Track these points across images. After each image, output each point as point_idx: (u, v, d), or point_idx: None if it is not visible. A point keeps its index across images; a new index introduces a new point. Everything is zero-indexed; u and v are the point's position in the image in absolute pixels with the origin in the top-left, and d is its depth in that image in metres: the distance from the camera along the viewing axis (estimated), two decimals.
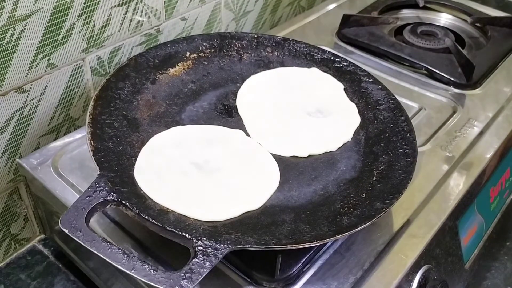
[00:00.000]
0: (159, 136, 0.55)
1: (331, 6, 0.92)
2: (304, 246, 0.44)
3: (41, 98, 0.61)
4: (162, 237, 0.43)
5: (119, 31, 0.66)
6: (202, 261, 0.40)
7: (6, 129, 0.59)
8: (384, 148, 0.56)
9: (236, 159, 0.54)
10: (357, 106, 0.63)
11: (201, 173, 0.52)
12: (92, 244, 0.41)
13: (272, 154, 0.56)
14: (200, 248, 0.41)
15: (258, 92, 0.64)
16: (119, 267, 0.39)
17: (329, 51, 0.69)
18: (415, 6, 0.91)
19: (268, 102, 0.63)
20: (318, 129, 0.60)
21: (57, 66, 0.61)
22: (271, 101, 0.63)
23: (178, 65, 0.64)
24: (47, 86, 0.61)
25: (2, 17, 0.52)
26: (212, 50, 0.67)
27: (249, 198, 0.50)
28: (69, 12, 0.58)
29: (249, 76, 0.66)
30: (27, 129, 0.61)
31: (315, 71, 0.67)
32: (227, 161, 0.54)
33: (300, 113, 0.62)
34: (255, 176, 0.53)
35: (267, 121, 0.60)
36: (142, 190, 0.48)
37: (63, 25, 0.59)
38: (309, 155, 0.57)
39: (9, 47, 0.54)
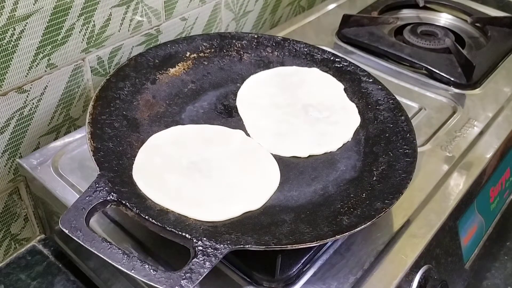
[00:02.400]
0: (158, 136, 0.55)
1: (331, 6, 0.92)
2: (304, 246, 0.44)
3: (41, 98, 0.61)
4: (162, 237, 0.43)
5: (119, 31, 0.66)
6: (202, 261, 0.40)
7: (6, 129, 0.59)
8: (384, 148, 0.56)
9: (236, 159, 0.54)
10: (357, 106, 0.63)
11: (201, 173, 0.52)
12: (92, 244, 0.41)
13: (272, 154, 0.56)
14: (200, 248, 0.41)
15: (258, 92, 0.64)
16: (119, 267, 0.39)
17: (329, 51, 0.69)
18: (415, 6, 0.91)
19: (268, 102, 0.63)
20: (318, 129, 0.60)
21: (57, 66, 0.61)
22: (271, 101, 0.63)
23: (178, 65, 0.64)
24: (47, 86, 0.61)
25: (2, 17, 0.52)
26: (212, 50, 0.67)
27: (249, 198, 0.50)
28: (69, 12, 0.58)
29: (249, 76, 0.66)
30: (27, 129, 0.61)
31: (315, 71, 0.67)
32: (227, 161, 0.53)
33: (300, 113, 0.62)
34: (255, 176, 0.53)
35: (267, 121, 0.60)
36: (141, 190, 0.48)
37: (63, 25, 0.59)
38: (309, 155, 0.57)
39: (9, 47, 0.54)
